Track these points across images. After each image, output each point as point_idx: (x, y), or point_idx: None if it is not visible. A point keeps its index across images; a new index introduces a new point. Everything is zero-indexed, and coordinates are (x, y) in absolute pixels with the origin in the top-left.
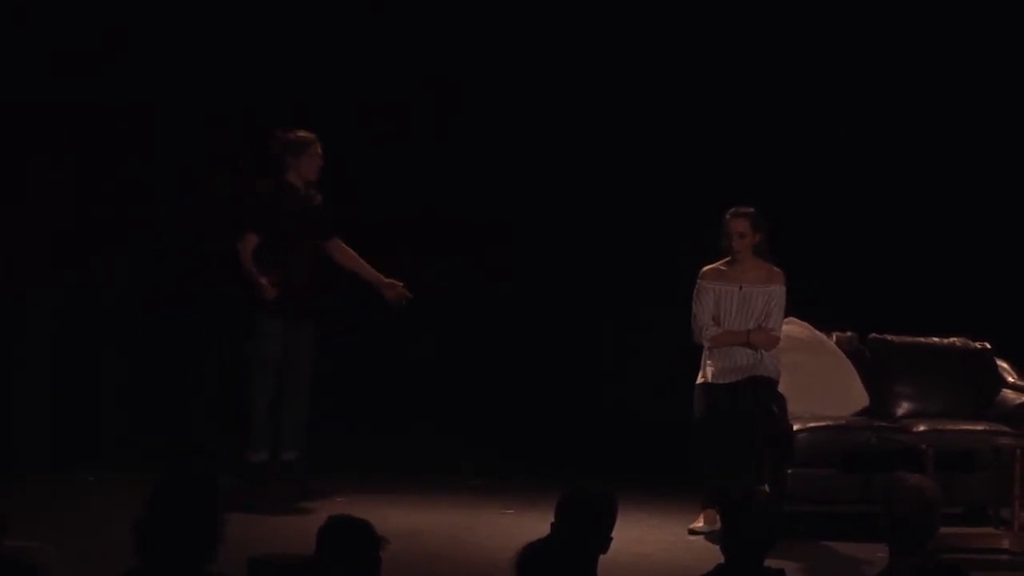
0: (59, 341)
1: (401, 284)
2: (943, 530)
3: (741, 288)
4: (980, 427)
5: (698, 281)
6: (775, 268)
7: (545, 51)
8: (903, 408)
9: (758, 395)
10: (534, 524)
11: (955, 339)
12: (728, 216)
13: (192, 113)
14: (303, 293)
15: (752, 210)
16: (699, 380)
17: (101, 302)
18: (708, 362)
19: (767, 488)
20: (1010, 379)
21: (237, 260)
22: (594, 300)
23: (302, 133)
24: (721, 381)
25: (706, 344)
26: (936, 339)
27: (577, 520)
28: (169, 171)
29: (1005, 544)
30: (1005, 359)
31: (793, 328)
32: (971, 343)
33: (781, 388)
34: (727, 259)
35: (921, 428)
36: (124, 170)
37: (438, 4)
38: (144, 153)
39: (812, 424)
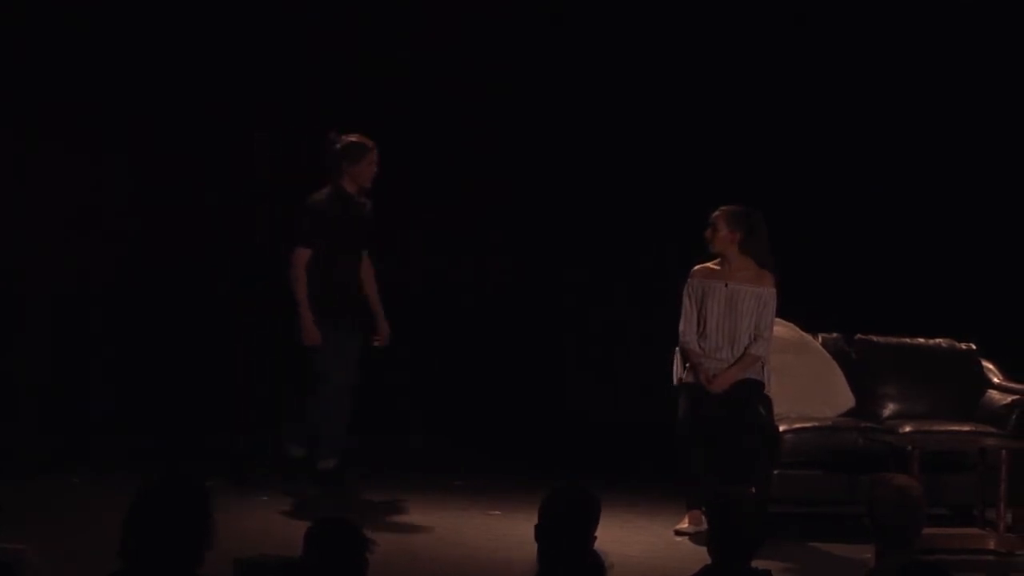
0: (50, 341)
1: (389, 332)
2: (929, 531)
3: (727, 286)
4: (966, 428)
5: (688, 280)
6: (764, 270)
7: (534, 50)
8: (889, 409)
9: (744, 396)
10: (521, 525)
11: (941, 340)
12: (714, 211)
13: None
14: (352, 301)
15: (730, 208)
16: (685, 379)
17: (93, 299)
18: (689, 362)
19: (753, 489)
20: (996, 380)
21: (287, 274)
22: (580, 301)
23: (360, 139)
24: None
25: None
26: (922, 340)
27: (559, 521)
28: (175, 168)
29: (991, 545)
30: (990, 360)
31: (779, 329)
32: (957, 344)
33: (767, 389)
34: (719, 258)
35: (907, 429)
36: (127, 169)
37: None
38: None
39: (798, 425)
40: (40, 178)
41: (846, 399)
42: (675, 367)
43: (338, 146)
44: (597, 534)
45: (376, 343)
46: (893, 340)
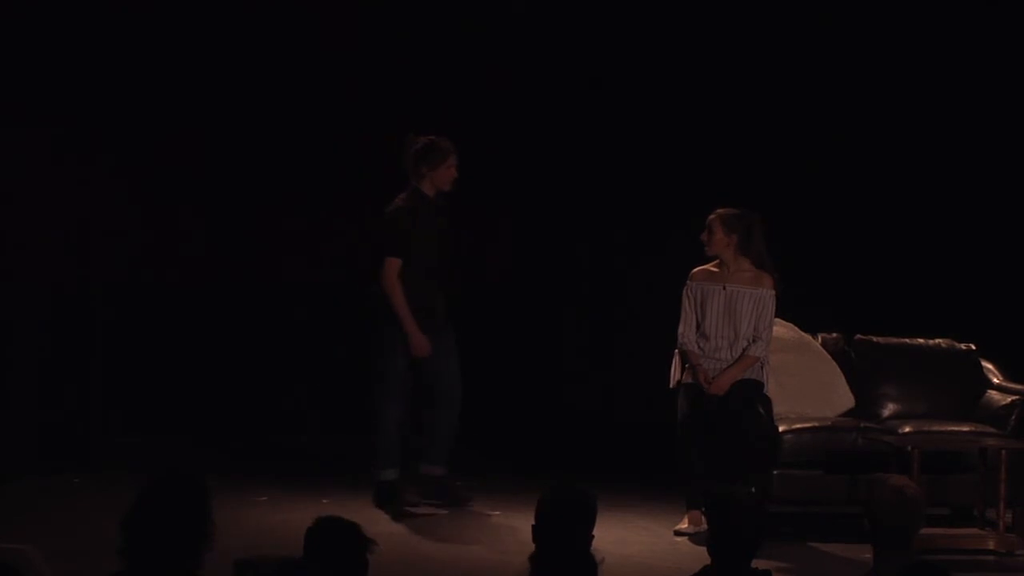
0: (47, 340)
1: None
2: (929, 531)
3: (725, 288)
4: (966, 428)
5: (687, 282)
6: (763, 272)
7: (537, 48)
8: (889, 409)
9: (744, 397)
10: (520, 525)
11: (940, 340)
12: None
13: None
14: (440, 305)
15: (726, 211)
16: (685, 380)
17: (92, 300)
18: (688, 363)
19: (753, 489)
20: (995, 380)
21: (382, 287)
22: (579, 300)
23: (440, 141)
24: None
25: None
26: (921, 340)
27: (556, 521)
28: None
29: (991, 545)
30: (990, 360)
31: (779, 329)
32: (956, 344)
33: (766, 389)
34: (718, 260)
35: (907, 429)
36: (129, 167)
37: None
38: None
39: (798, 425)
40: (38, 178)
41: (846, 399)
42: (673, 369)
43: (417, 148)
44: (596, 534)
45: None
46: (893, 340)
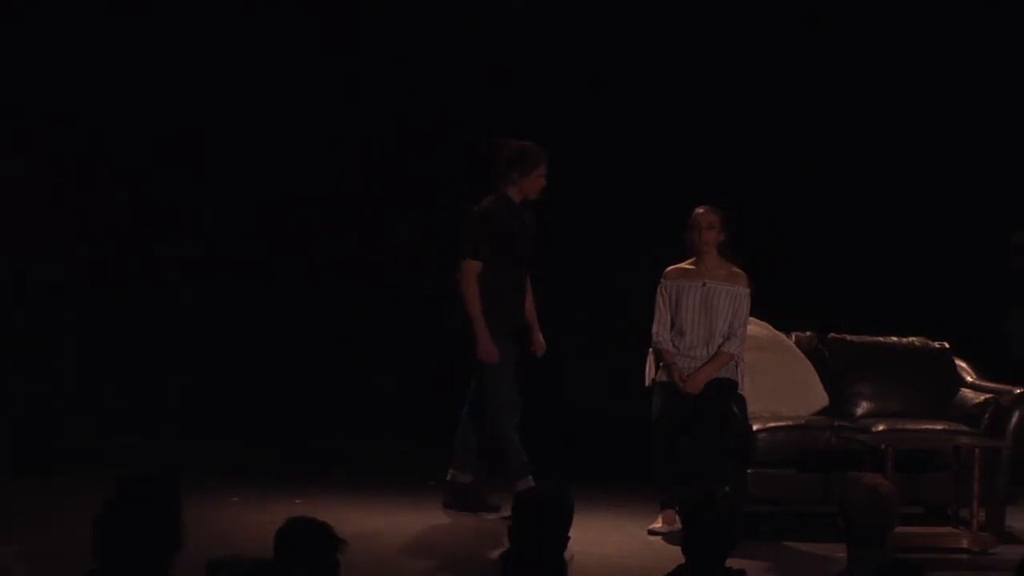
0: (45, 340)
1: (544, 346)
2: (903, 529)
3: (704, 284)
4: (939, 426)
5: (661, 280)
6: (737, 269)
7: (526, 48)
8: (862, 408)
9: (718, 395)
10: (494, 525)
11: (914, 339)
12: (700, 209)
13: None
14: (516, 313)
15: (719, 210)
16: (659, 379)
17: (91, 299)
18: (663, 361)
19: (727, 488)
20: (969, 379)
21: (459, 289)
22: (557, 300)
23: (534, 147)
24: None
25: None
26: (895, 339)
27: (531, 521)
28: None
29: (964, 543)
30: (963, 359)
31: (753, 328)
32: (930, 343)
33: (741, 388)
34: (692, 259)
35: (880, 428)
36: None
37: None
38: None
39: (772, 424)
40: (36, 178)
41: (820, 398)
42: (648, 368)
43: (510, 152)
44: (572, 534)
45: (537, 353)
46: (866, 339)
